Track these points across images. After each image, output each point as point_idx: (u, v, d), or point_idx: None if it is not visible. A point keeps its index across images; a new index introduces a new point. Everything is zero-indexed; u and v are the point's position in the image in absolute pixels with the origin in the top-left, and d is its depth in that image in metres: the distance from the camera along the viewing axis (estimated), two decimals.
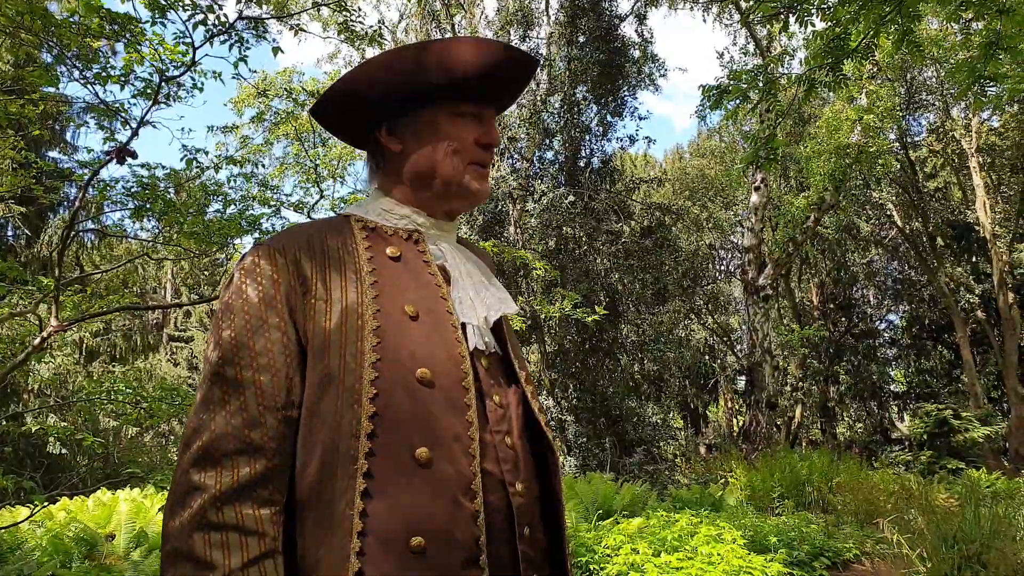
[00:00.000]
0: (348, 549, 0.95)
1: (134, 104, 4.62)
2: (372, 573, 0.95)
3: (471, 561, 0.99)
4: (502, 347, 1.22)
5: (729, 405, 26.98)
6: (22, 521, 5.26)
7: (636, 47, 16.11)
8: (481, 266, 1.30)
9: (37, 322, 5.21)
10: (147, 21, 4.14)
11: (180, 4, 4.01)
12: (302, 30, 5.29)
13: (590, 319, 7.23)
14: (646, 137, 27.53)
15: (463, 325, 1.15)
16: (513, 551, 1.05)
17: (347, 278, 1.10)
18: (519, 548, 1.05)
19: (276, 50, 4.87)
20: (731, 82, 5.95)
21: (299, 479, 1.03)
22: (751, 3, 5.88)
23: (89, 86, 4.41)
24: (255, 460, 0.99)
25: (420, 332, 1.08)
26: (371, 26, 5.34)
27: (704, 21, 21.15)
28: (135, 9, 4.08)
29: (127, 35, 4.15)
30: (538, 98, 15.28)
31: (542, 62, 15.71)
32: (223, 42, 4.45)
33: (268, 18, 4.90)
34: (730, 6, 15.32)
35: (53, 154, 15.46)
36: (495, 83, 1.21)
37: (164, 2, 3.99)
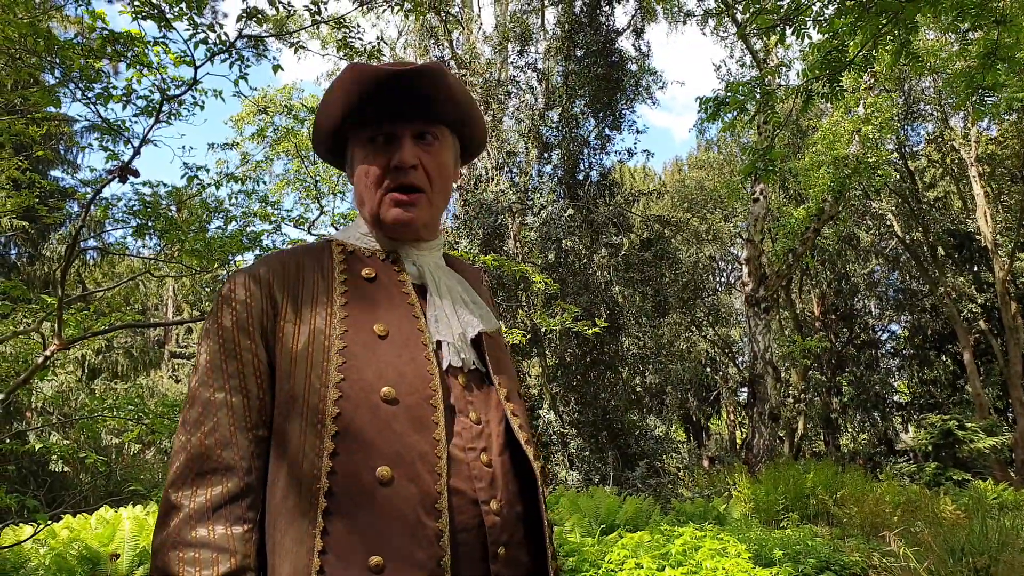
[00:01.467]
0: (310, 567, 0.98)
1: (136, 123, 4.65)
2: None
3: None
4: (486, 364, 1.20)
5: (731, 417, 26.87)
6: (26, 540, 5.24)
7: (634, 61, 16.19)
8: (464, 284, 1.28)
9: (40, 340, 5.21)
10: (149, 42, 4.17)
11: (184, 16, 4.03)
12: (301, 47, 5.33)
13: (590, 332, 7.23)
14: (645, 150, 27.70)
15: (439, 343, 1.14)
16: (485, 572, 1.03)
17: (318, 301, 1.12)
18: (491, 569, 1.03)
19: (276, 68, 4.90)
20: (728, 94, 5.98)
21: (269, 497, 1.06)
22: (747, 16, 5.92)
23: (91, 106, 4.43)
24: (227, 479, 1.03)
25: (388, 351, 1.09)
26: (370, 42, 5.38)
27: (703, 34, 21.26)
28: (140, 25, 4.10)
29: (129, 54, 4.18)
30: (536, 112, 15.36)
31: (540, 77, 15.80)
32: (223, 60, 4.49)
33: (268, 36, 4.93)
34: (726, 19, 15.42)
35: (56, 173, 15.52)
36: (383, 103, 1.17)
37: (169, 16, 4.01)
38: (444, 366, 1.13)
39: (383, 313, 1.13)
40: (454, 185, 1.32)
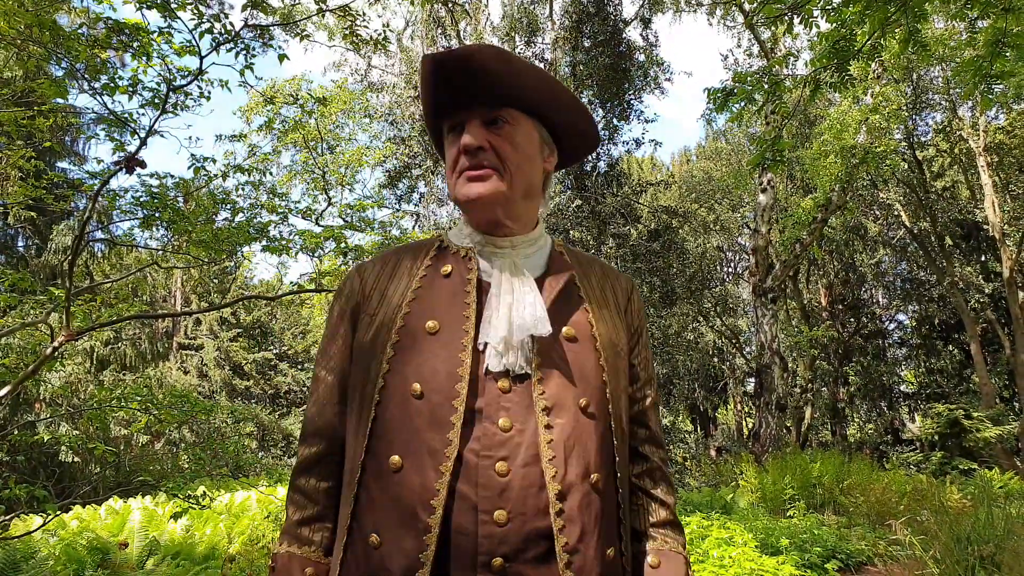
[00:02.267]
0: (345, 527, 1.13)
1: (142, 114, 4.65)
2: (350, 552, 1.11)
3: (409, 571, 1.02)
4: (545, 370, 1.13)
5: (738, 407, 26.86)
6: (35, 530, 5.28)
7: (641, 51, 16.12)
8: (532, 285, 1.19)
9: (48, 332, 5.24)
10: (154, 31, 4.17)
11: (188, 5, 4.03)
12: (307, 37, 5.32)
13: None
14: (652, 140, 27.56)
15: (487, 344, 1.13)
16: None
17: (395, 295, 1.21)
18: None
19: (282, 57, 4.89)
20: (736, 84, 5.94)
21: (347, 461, 1.21)
22: (755, 5, 5.88)
23: (97, 97, 4.44)
24: (318, 442, 1.24)
25: (432, 348, 1.13)
26: (376, 30, 5.36)
27: (710, 24, 21.14)
28: (143, 15, 4.10)
29: (135, 44, 4.18)
30: None
31: (547, 68, 15.74)
32: (229, 50, 4.48)
33: (274, 26, 4.93)
34: (733, 8, 15.31)
35: (63, 165, 15.58)
36: (450, 92, 1.20)
37: (173, 4, 4.01)
38: (482, 369, 1.11)
39: (441, 310, 1.17)
40: (555, 177, 1.32)
